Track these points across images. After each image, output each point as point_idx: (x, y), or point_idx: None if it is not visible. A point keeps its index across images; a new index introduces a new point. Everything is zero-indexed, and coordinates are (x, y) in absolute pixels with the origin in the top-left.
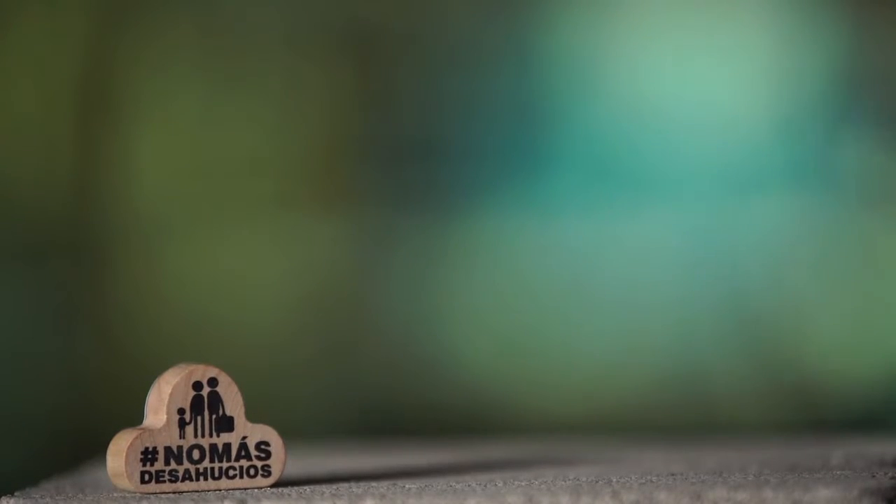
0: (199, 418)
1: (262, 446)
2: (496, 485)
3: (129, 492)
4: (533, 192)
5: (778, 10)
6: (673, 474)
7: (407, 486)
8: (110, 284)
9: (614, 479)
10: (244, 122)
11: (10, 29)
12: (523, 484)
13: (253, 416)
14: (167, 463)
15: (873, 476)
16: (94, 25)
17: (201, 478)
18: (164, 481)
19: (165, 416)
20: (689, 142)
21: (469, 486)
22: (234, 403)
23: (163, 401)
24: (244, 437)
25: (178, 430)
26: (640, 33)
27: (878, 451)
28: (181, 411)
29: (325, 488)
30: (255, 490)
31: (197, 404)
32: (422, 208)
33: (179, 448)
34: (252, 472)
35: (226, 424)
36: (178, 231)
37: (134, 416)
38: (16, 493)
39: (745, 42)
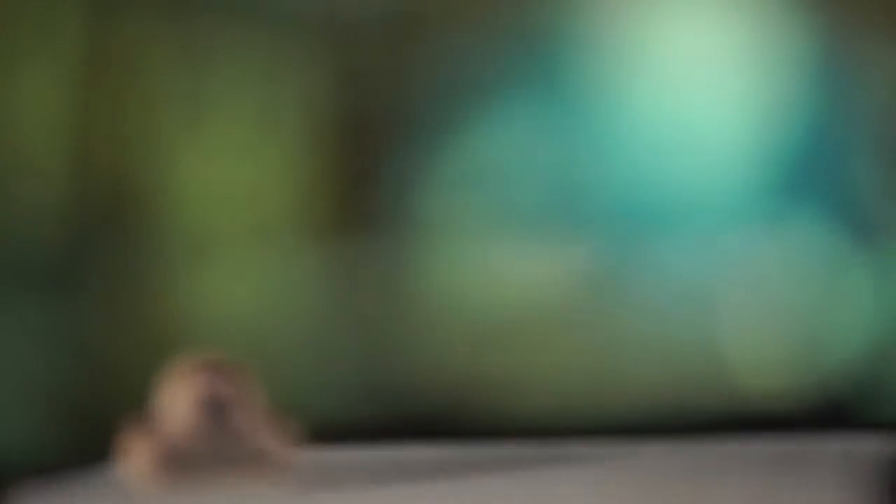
0: (212, 416)
1: (271, 445)
2: (493, 484)
3: (139, 488)
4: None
5: (770, 25)
6: (674, 473)
7: (405, 484)
8: (118, 283)
9: (615, 478)
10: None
11: (9, 27)
12: (523, 483)
13: (262, 415)
14: (179, 460)
15: (874, 474)
16: (94, 26)
17: (212, 475)
18: (176, 478)
19: (178, 414)
20: (678, 158)
21: (467, 485)
22: (245, 402)
23: (175, 397)
24: (255, 436)
25: (191, 427)
26: (630, 50)
27: (879, 450)
28: (194, 408)
29: (325, 487)
30: (263, 488)
31: (210, 402)
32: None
33: (191, 446)
34: (260, 470)
35: (237, 423)
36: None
37: (145, 413)
38: (25, 485)
39: (737, 66)
